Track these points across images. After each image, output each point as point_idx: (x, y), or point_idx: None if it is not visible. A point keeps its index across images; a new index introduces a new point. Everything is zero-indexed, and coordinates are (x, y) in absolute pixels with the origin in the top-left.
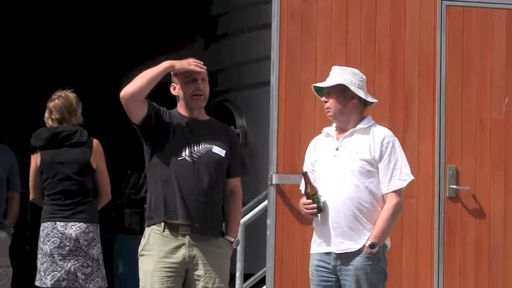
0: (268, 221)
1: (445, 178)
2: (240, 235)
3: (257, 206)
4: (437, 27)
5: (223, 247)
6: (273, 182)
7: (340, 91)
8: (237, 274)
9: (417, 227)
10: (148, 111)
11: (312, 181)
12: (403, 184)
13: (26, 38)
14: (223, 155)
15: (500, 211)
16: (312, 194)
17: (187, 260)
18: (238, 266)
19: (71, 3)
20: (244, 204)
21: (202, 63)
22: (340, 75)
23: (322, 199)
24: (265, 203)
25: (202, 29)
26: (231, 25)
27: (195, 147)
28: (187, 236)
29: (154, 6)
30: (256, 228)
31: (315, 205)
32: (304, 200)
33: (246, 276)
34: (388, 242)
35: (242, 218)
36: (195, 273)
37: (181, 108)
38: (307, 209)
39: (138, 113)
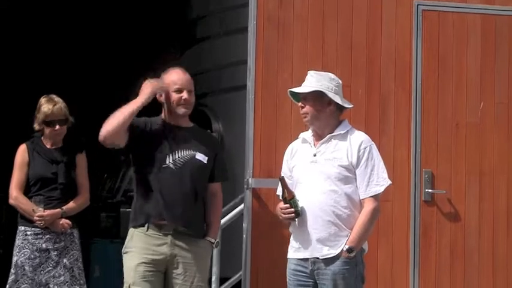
0: (244, 225)
1: (420, 182)
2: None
3: (233, 209)
4: (413, 31)
5: (204, 247)
6: (249, 186)
7: (317, 97)
8: (213, 278)
9: (393, 230)
10: (130, 135)
11: (290, 187)
12: (381, 189)
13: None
14: (206, 162)
15: (475, 215)
16: (289, 198)
17: (168, 258)
18: (214, 269)
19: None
20: None
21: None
22: (316, 80)
23: (299, 204)
24: (241, 206)
25: (179, 33)
26: (208, 29)
27: (179, 154)
28: (169, 236)
29: (131, 10)
30: (232, 232)
31: (292, 209)
32: (281, 205)
33: (222, 280)
34: (365, 245)
35: None
36: (174, 271)
37: (165, 116)
38: (284, 213)
39: (121, 142)
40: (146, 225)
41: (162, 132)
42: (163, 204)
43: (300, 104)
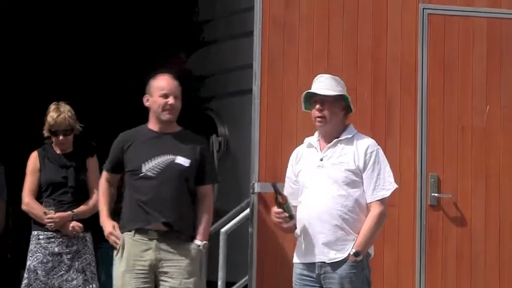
0: (250, 229)
1: (426, 186)
2: (221, 243)
3: (239, 214)
4: (418, 35)
5: (191, 250)
6: (255, 190)
7: (335, 101)
8: (219, 283)
9: (399, 235)
10: (121, 162)
11: (296, 192)
12: (387, 193)
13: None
14: (188, 165)
15: (481, 219)
16: (283, 203)
17: (154, 263)
18: (220, 274)
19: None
20: (226, 212)
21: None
22: (336, 85)
23: (292, 208)
24: (247, 211)
25: (186, 36)
26: (214, 33)
27: (156, 161)
28: (154, 240)
29: (138, 11)
30: (238, 236)
31: (286, 214)
32: (275, 209)
33: (228, 285)
34: (371, 250)
35: (224, 226)
36: (162, 274)
37: (151, 122)
38: (278, 218)
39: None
40: (133, 232)
41: (144, 140)
42: (145, 211)
43: (318, 106)
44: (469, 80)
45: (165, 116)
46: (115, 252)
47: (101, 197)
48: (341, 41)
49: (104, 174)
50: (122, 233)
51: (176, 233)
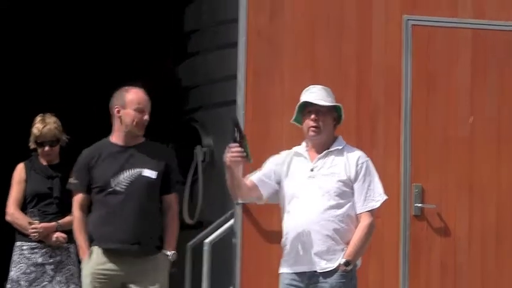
0: (234, 240)
1: (410, 196)
2: (205, 254)
3: (223, 224)
4: (402, 46)
5: (159, 261)
6: (240, 201)
7: (328, 112)
8: None
9: (383, 245)
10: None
11: (268, 185)
12: (377, 204)
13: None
14: (155, 177)
15: (465, 229)
16: (242, 141)
17: (122, 274)
18: (204, 285)
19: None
20: (210, 223)
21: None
22: (327, 96)
23: (249, 151)
24: (231, 221)
25: (173, 45)
26: (201, 43)
27: (125, 174)
28: (121, 254)
29: (126, 22)
30: (223, 247)
31: (242, 149)
32: (232, 144)
33: None
34: (359, 260)
35: (209, 236)
36: (130, 285)
37: (115, 134)
38: (234, 154)
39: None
40: (99, 247)
41: (108, 155)
42: (113, 228)
43: (313, 116)
44: (453, 90)
45: (140, 132)
46: (82, 262)
47: (78, 233)
48: (326, 52)
49: (77, 199)
50: (90, 245)
51: (141, 251)
